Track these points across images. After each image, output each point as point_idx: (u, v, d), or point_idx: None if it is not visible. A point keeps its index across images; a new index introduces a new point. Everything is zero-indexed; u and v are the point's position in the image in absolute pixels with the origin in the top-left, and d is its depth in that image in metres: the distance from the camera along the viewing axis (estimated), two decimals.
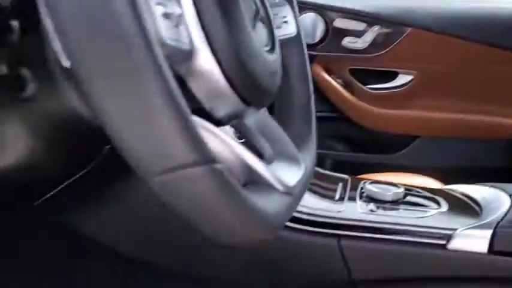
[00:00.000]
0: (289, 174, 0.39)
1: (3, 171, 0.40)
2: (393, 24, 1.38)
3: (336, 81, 1.45)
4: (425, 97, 1.41)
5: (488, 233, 0.63)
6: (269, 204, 0.33)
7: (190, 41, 0.31)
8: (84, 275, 0.75)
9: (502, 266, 0.63)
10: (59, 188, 0.53)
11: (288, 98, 0.51)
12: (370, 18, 1.38)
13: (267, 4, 0.43)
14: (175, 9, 0.29)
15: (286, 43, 0.51)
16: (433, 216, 0.69)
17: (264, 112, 0.43)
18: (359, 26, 1.40)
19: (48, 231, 0.69)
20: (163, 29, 0.28)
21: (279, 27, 0.50)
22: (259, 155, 0.39)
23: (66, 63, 0.26)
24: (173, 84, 0.24)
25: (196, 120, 0.29)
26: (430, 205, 0.72)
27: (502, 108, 1.35)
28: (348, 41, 1.41)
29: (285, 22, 0.51)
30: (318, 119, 1.55)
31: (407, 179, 0.96)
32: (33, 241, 0.69)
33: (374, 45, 1.39)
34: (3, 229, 0.57)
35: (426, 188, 0.78)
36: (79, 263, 0.74)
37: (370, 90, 1.45)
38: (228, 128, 0.39)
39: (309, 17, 1.40)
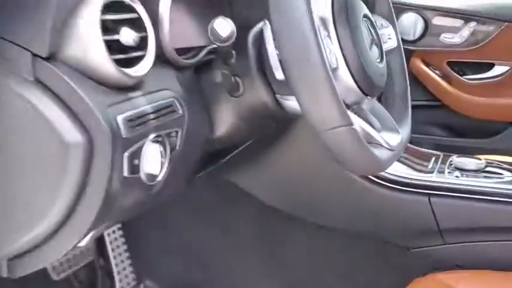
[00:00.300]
0: (391, 139, 0.62)
1: (216, 139, 0.68)
2: (489, 20, 1.51)
3: (434, 72, 1.61)
4: None
5: None
6: (380, 153, 0.57)
7: (336, 60, 0.56)
8: (238, 220, 1.04)
9: None
10: (236, 151, 0.81)
11: (391, 89, 0.74)
12: (466, 15, 1.53)
13: (379, 32, 0.66)
14: (331, 47, 0.54)
15: (390, 52, 0.74)
16: (507, 181, 0.88)
17: (374, 100, 0.67)
18: (456, 22, 1.55)
19: (213, 187, 0.98)
20: (326, 53, 0.53)
21: (385, 42, 0.72)
22: (373, 126, 0.63)
23: (280, 76, 0.52)
24: (334, 86, 0.49)
25: None
26: (506, 173, 0.90)
27: None
28: (445, 37, 1.56)
29: (390, 38, 0.73)
30: (418, 107, 1.75)
31: (500, 157, 1.11)
32: (194, 193, 0.96)
33: (470, 39, 1.54)
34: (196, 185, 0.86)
35: (506, 161, 0.96)
36: (234, 216, 1.03)
37: (467, 81, 1.59)
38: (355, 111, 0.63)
39: (410, 16, 1.58)
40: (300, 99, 0.48)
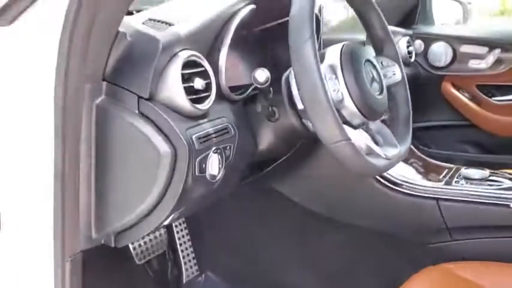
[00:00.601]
0: (389, 152, 0.83)
1: (259, 152, 0.91)
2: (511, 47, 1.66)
3: (463, 95, 1.77)
4: None
5: None
6: (377, 162, 0.77)
7: (342, 94, 0.78)
8: (280, 226, 1.25)
9: None
10: (276, 163, 1.03)
11: (396, 115, 0.93)
12: (490, 43, 1.69)
13: (383, 70, 0.87)
14: (337, 86, 0.76)
15: (395, 85, 0.94)
16: (509, 188, 1.04)
17: (379, 122, 0.87)
18: (481, 50, 1.71)
19: (261, 193, 1.21)
20: (331, 91, 0.75)
21: (390, 77, 0.93)
22: (376, 142, 0.84)
23: (300, 106, 0.75)
24: (335, 112, 0.70)
25: (345, 126, 0.75)
26: (506, 181, 1.07)
27: None
28: (472, 63, 1.73)
29: (394, 74, 0.93)
30: (449, 126, 1.95)
31: None
32: (250, 197, 1.19)
33: (496, 64, 1.69)
34: (241, 191, 1.08)
35: (508, 172, 1.12)
36: (275, 217, 1.25)
37: (495, 102, 1.74)
38: (360, 130, 0.84)
39: (439, 45, 1.76)
40: (312, 123, 0.71)
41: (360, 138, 0.78)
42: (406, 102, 0.94)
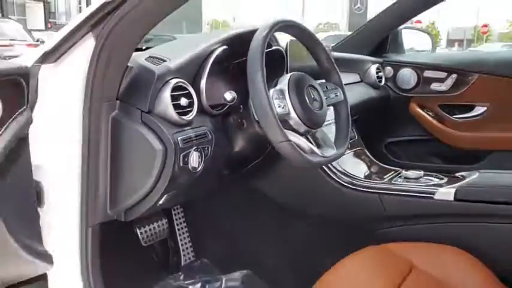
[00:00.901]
0: (328, 152, 1.11)
1: (234, 154, 1.20)
2: (465, 72, 1.94)
3: (428, 114, 2.05)
4: (497, 121, 1.93)
5: (454, 189, 1.24)
6: (313, 158, 1.05)
7: (288, 109, 1.07)
8: (259, 218, 1.54)
9: (460, 207, 1.23)
10: (252, 164, 1.32)
11: (338, 125, 1.22)
12: (448, 69, 1.97)
13: (321, 93, 1.16)
14: (284, 103, 1.05)
15: (338, 104, 1.23)
16: (434, 184, 1.31)
17: (322, 129, 1.16)
18: (441, 74, 2.00)
19: (243, 191, 1.50)
20: (277, 108, 1.04)
21: (333, 98, 1.21)
22: (318, 145, 1.12)
23: (256, 118, 1.05)
24: (278, 122, 0.99)
25: (291, 132, 1.04)
26: (434, 179, 1.34)
27: None
28: (434, 85, 2.01)
29: (336, 95, 1.22)
30: (416, 141, 2.29)
31: None
32: (234, 194, 1.48)
33: (454, 87, 1.98)
34: (224, 187, 1.37)
35: (441, 173, 1.39)
36: (255, 211, 1.54)
37: (455, 119, 2.01)
38: (306, 136, 1.12)
39: (406, 71, 2.06)
40: (264, 130, 1.00)
41: (303, 141, 1.07)
42: (346, 116, 1.23)
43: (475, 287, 1.08)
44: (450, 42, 33.51)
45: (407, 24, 2.25)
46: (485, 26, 32.34)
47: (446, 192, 1.25)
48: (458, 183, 1.26)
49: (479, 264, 1.12)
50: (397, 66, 2.06)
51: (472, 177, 1.28)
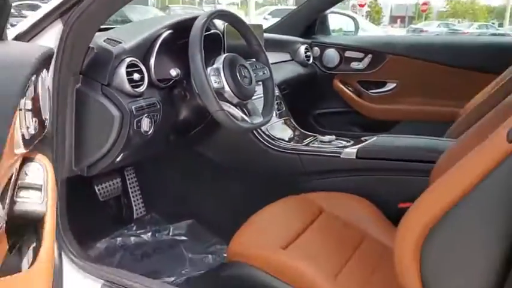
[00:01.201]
0: (255, 120, 1.38)
1: (179, 121, 1.45)
2: (379, 53, 2.27)
3: (348, 89, 2.37)
4: (404, 96, 2.27)
5: (355, 150, 1.55)
6: (243, 124, 1.32)
7: (223, 84, 1.32)
8: (201, 177, 1.80)
9: (361, 164, 1.54)
10: (195, 130, 1.58)
11: (266, 98, 1.49)
12: (365, 50, 2.29)
13: (251, 71, 1.42)
14: (220, 79, 1.30)
15: (266, 80, 1.50)
16: (342, 146, 1.62)
17: (252, 101, 1.43)
18: (360, 55, 2.31)
19: (188, 154, 1.75)
20: (214, 82, 1.29)
21: (261, 75, 1.48)
22: (248, 113, 1.39)
23: (197, 91, 1.30)
24: (214, 94, 1.24)
25: (225, 103, 1.30)
26: (335, 142, 1.65)
27: (446, 102, 2.17)
28: (354, 64, 2.33)
29: (264, 73, 1.49)
30: (338, 113, 2.69)
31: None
32: (180, 157, 1.73)
33: (370, 66, 2.30)
34: (171, 151, 1.62)
35: (352, 138, 1.70)
36: (198, 171, 1.80)
37: (371, 94, 2.34)
38: (238, 107, 1.38)
39: (330, 51, 2.36)
40: (202, 101, 1.25)
41: (236, 111, 1.33)
42: (272, 91, 1.50)
43: (369, 224, 1.40)
44: (393, 19, 34.20)
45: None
46: (425, 4, 32.88)
47: (350, 152, 1.56)
48: (360, 145, 1.58)
49: (374, 207, 1.44)
50: (323, 46, 2.36)
51: (371, 139, 1.60)
